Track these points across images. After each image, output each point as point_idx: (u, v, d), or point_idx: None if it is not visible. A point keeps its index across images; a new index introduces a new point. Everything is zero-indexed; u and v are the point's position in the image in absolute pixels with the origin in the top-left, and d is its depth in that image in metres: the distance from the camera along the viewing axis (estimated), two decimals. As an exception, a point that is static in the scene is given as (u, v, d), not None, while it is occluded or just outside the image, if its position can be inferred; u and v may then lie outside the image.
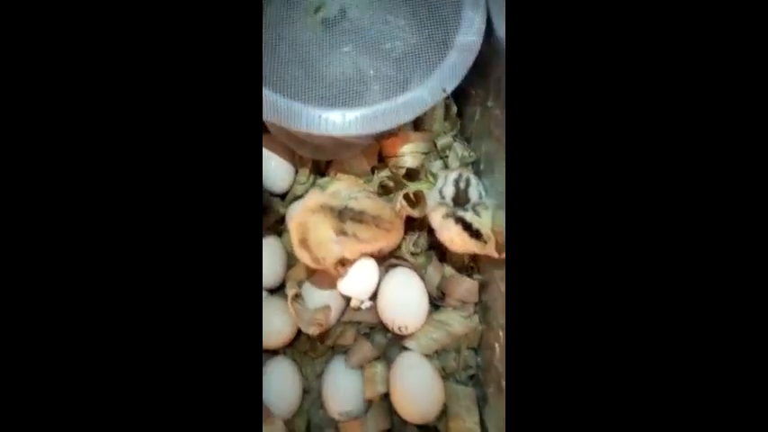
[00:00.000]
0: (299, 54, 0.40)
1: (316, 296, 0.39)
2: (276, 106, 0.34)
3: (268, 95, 0.34)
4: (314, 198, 0.35)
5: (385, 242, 0.37)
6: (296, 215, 0.34)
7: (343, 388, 0.39)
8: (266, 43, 0.39)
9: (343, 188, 0.36)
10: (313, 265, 0.35)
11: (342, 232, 0.34)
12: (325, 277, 0.40)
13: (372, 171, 0.43)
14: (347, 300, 0.40)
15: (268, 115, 0.34)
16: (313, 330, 0.35)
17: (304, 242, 0.34)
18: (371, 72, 0.40)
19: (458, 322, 0.39)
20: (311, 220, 0.34)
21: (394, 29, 0.40)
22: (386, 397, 0.39)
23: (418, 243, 0.41)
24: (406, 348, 0.39)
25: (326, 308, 0.38)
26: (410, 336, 0.39)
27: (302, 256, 0.34)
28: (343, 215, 0.34)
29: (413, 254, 0.41)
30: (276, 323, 0.37)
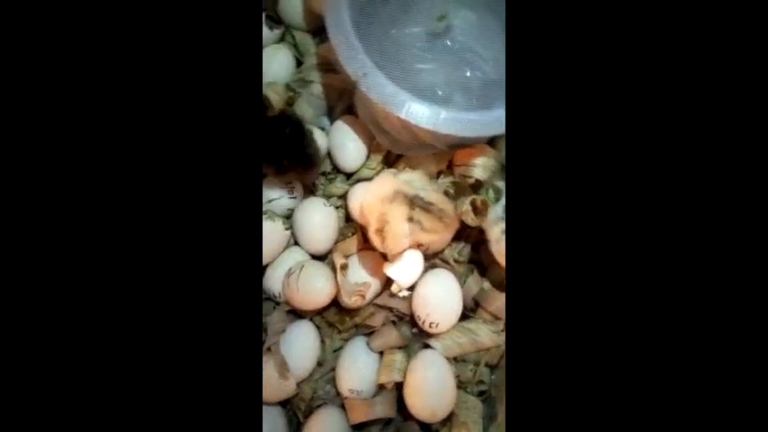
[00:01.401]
0: (407, 53, 0.43)
1: (358, 272, 0.41)
2: (383, 90, 0.37)
3: (379, 78, 0.37)
4: (389, 183, 0.37)
5: (441, 236, 0.38)
6: (374, 202, 0.36)
7: (359, 367, 0.39)
8: (383, 36, 0.43)
9: (415, 178, 0.38)
10: (381, 251, 0.37)
11: (410, 218, 0.36)
12: (371, 257, 0.42)
13: (438, 175, 0.45)
14: (384, 284, 0.41)
15: (374, 96, 0.37)
16: (354, 301, 0.37)
17: (380, 232, 0.35)
18: (471, 84, 0.43)
19: (485, 335, 0.40)
20: (390, 212, 0.35)
21: (499, 53, 0.44)
22: (398, 387, 0.39)
23: (463, 252, 0.43)
24: (428, 346, 0.40)
25: (367, 284, 0.39)
26: (437, 335, 0.40)
27: (376, 241, 0.36)
28: (413, 202, 0.36)
29: (456, 261, 0.43)
30: (317, 286, 0.39)
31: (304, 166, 0.41)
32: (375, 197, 0.35)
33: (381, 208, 0.35)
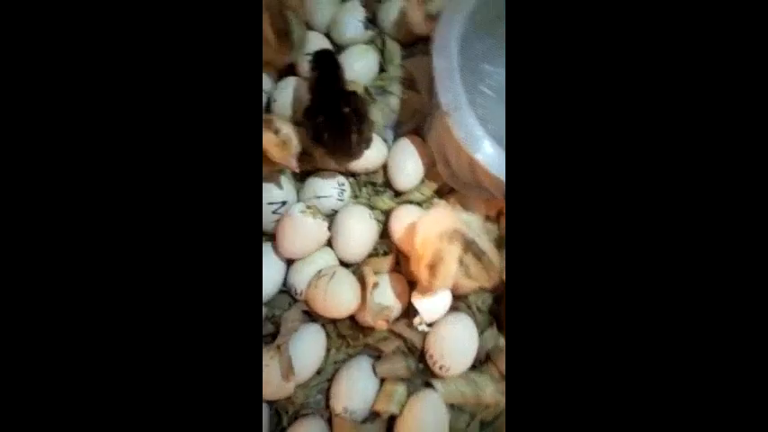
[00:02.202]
0: (495, 93, 0.43)
1: (383, 293, 0.40)
2: (468, 129, 0.36)
3: (467, 116, 0.36)
4: (448, 220, 0.36)
5: (478, 286, 0.38)
6: (433, 237, 0.35)
7: (358, 387, 0.38)
8: (477, 71, 0.43)
9: (473, 221, 0.38)
10: (425, 284, 0.36)
11: (460, 261, 0.35)
12: (399, 281, 0.41)
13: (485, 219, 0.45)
14: (404, 312, 0.41)
15: (458, 133, 0.36)
16: (379, 324, 0.36)
17: (433, 268, 0.35)
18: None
19: (490, 392, 0.39)
20: (447, 251, 0.35)
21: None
22: (391, 419, 0.39)
23: (486, 301, 0.43)
24: (430, 385, 0.40)
25: (390, 308, 0.39)
26: (443, 378, 0.39)
27: (423, 274, 0.35)
28: (469, 246, 0.36)
29: (478, 308, 0.42)
30: (344, 296, 0.38)
31: (341, 150, 0.40)
32: (434, 232, 0.35)
33: (439, 244, 0.35)
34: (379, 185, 0.46)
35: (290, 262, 0.42)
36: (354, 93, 0.41)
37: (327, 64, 0.40)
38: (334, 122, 0.39)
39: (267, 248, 0.41)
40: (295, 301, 0.41)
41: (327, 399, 0.40)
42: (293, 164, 0.38)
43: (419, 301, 0.38)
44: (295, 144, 0.38)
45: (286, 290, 0.41)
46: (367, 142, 0.41)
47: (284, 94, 0.44)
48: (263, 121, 0.37)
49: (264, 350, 0.38)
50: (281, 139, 0.37)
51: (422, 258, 0.35)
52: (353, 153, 0.41)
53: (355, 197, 0.45)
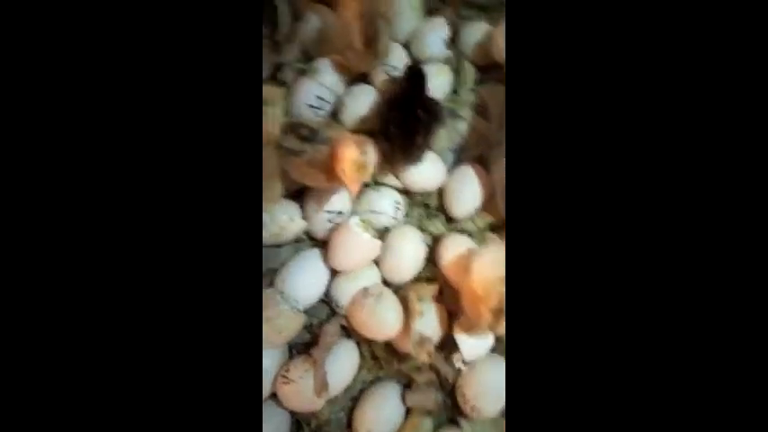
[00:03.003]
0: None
1: (425, 322, 0.39)
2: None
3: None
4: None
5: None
6: (496, 280, 0.34)
7: (384, 414, 0.37)
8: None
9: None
10: (481, 325, 0.35)
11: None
12: (440, 312, 0.40)
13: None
14: (442, 344, 0.39)
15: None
16: (422, 357, 0.35)
17: (498, 313, 0.33)
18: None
19: (517, 442, 0.38)
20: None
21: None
22: (413, 452, 0.38)
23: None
24: (456, 424, 0.38)
25: (431, 339, 0.38)
26: (471, 419, 0.38)
27: (482, 315, 0.34)
28: None
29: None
30: (388, 320, 0.37)
31: (403, 148, 0.39)
32: (496, 274, 0.34)
33: (502, 288, 0.34)
34: (432, 208, 0.45)
35: (334, 272, 0.41)
36: (435, 100, 0.40)
37: (418, 81, 0.39)
38: (407, 120, 0.38)
39: (314, 254, 0.41)
40: (334, 313, 0.40)
41: (350, 418, 0.39)
42: (356, 189, 0.37)
43: (462, 338, 0.37)
44: (371, 170, 0.37)
45: (326, 300, 0.41)
46: (427, 149, 0.40)
47: (355, 102, 0.43)
48: (345, 136, 0.36)
49: (298, 360, 0.37)
50: (363, 161, 0.36)
51: (482, 300, 0.34)
52: (414, 154, 0.40)
53: (406, 216, 0.44)
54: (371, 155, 0.37)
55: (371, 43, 0.41)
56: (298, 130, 0.36)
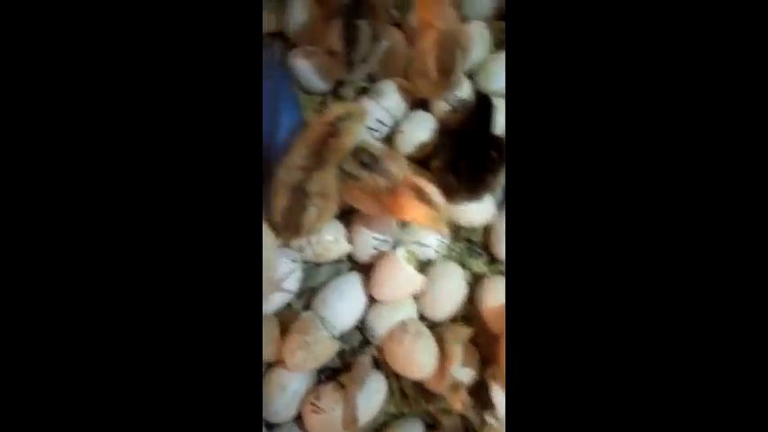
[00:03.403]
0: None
1: (459, 366, 0.39)
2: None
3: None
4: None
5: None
6: None
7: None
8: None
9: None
10: None
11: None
12: (476, 357, 0.39)
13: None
14: (473, 389, 0.39)
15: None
16: (456, 405, 0.34)
17: None
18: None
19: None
20: None
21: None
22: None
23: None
24: (476, 473, 0.38)
25: (465, 386, 0.37)
26: (492, 470, 0.37)
27: None
28: None
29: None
30: (423, 361, 0.36)
31: (472, 186, 0.38)
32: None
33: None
34: (475, 244, 0.44)
35: (371, 299, 0.40)
36: (501, 137, 0.39)
37: (488, 115, 0.39)
38: (477, 157, 0.38)
39: (354, 279, 0.40)
40: (367, 341, 0.39)
41: (370, 450, 0.39)
42: (445, 229, 0.36)
43: (498, 392, 0.36)
44: (446, 215, 0.36)
45: (361, 327, 0.40)
46: (492, 190, 0.39)
47: (415, 129, 0.42)
48: (410, 186, 0.35)
49: (329, 388, 0.37)
50: (434, 212, 0.35)
51: None
52: (480, 192, 0.39)
53: (449, 250, 0.43)
54: (437, 198, 0.36)
55: (446, 72, 0.40)
56: (359, 155, 0.36)
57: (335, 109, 0.38)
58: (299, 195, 0.35)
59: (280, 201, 0.36)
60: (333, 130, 0.36)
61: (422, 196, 0.35)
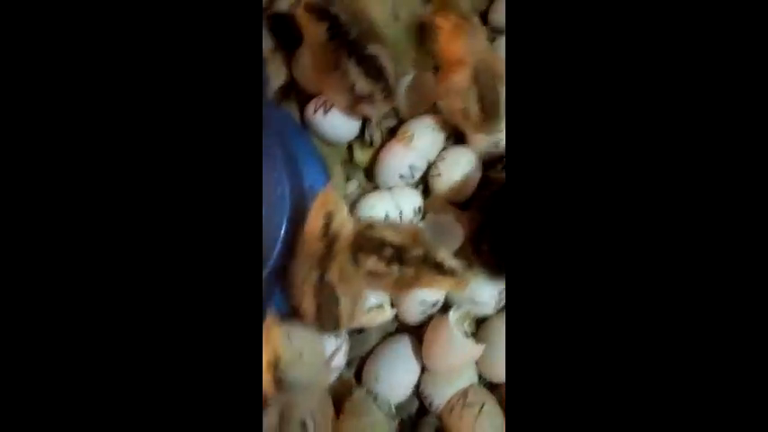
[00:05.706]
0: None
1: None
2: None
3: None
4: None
5: None
6: None
7: None
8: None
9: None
10: None
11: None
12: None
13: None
14: None
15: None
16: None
17: None
18: None
19: None
20: None
21: None
22: None
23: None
24: None
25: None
26: None
27: None
28: None
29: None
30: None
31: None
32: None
33: None
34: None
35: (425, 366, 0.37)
36: None
37: None
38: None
39: (405, 344, 0.37)
40: (425, 410, 0.37)
41: None
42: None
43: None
44: (468, 278, 0.32)
45: (417, 394, 0.37)
46: None
47: (452, 169, 0.38)
48: (430, 265, 0.31)
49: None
50: (455, 281, 0.31)
51: None
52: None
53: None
54: (454, 264, 0.32)
55: (491, 110, 0.35)
56: (381, 251, 0.31)
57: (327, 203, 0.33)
58: (325, 289, 0.32)
59: (308, 301, 0.32)
60: (326, 225, 0.32)
61: (443, 271, 0.31)
